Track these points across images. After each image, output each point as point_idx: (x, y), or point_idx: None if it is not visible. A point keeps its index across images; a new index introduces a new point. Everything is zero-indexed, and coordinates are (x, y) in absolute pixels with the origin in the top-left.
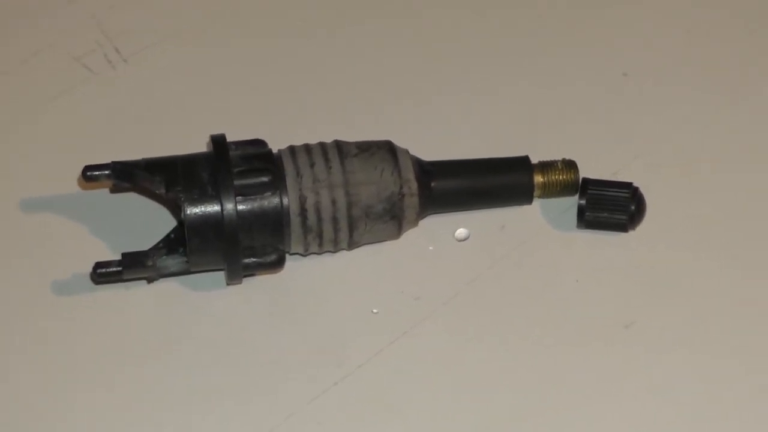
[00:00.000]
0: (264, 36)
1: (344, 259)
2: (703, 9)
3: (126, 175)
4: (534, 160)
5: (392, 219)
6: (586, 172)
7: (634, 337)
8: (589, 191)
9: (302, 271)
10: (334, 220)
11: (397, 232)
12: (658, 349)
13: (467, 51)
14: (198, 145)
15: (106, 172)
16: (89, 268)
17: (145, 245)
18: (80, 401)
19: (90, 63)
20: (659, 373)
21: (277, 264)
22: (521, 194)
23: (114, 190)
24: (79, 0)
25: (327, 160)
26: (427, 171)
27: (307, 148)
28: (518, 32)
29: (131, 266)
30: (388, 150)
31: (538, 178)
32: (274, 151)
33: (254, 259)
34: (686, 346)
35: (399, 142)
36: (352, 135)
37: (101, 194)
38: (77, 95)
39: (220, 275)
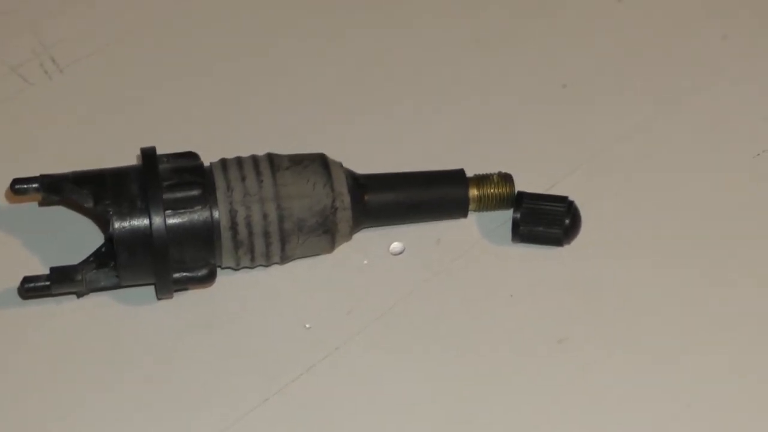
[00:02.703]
0: (198, 48)
1: (277, 273)
2: (643, 20)
3: (55, 189)
4: (470, 173)
5: (325, 233)
6: (522, 185)
7: (568, 352)
8: (524, 205)
9: (234, 285)
10: (266, 234)
11: (331, 246)
12: (591, 364)
13: (402, 62)
14: (133, 157)
15: (35, 185)
16: (18, 283)
17: (76, 259)
18: (9, 416)
19: (26, 73)
20: (592, 388)
21: (208, 278)
22: (456, 208)
23: (43, 203)
24: (16, 9)
25: (258, 173)
26: (361, 184)
27: (238, 161)
28: (455, 43)
29: (60, 281)
30: (321, 163)
31: (474, 192)
32: (206, 164)
33: (185, 274)
34: (619, 361)
35: (333, 155)
36: (285, 148)
37: (30, 208)
38: (12, 105)
39: (152, 289)
